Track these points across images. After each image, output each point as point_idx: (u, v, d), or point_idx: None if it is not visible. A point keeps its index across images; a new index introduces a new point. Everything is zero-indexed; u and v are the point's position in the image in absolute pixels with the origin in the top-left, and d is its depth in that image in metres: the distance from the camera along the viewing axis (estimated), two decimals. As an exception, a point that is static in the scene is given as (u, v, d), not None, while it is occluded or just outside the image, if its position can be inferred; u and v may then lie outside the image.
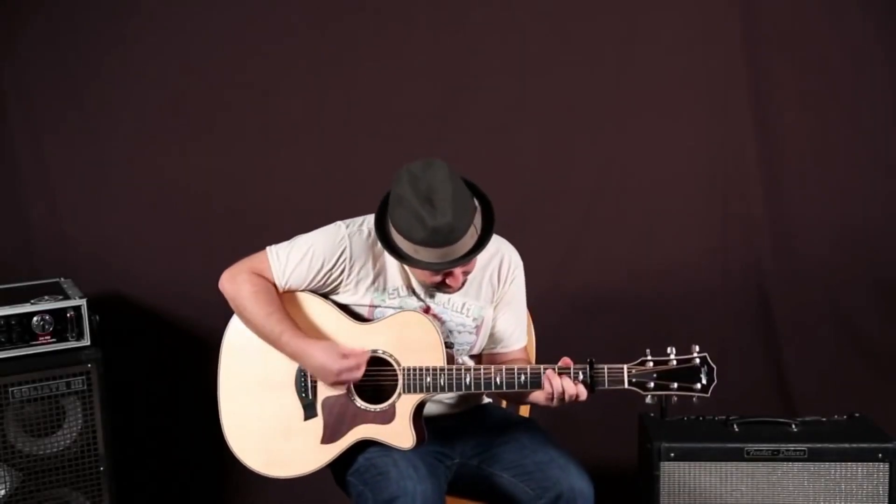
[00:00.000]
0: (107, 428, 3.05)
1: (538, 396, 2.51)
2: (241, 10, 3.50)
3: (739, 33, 3.57)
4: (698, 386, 2.40)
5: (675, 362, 2.42)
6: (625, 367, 2.43)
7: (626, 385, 2.42)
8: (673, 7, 3.57)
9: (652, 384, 2.41)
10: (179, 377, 3.56)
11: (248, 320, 2.59)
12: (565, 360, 2.46)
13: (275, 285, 2.60)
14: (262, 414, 2.61)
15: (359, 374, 2.52)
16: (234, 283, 2.58)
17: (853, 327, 3.73)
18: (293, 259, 2.59)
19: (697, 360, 2.41)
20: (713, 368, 2.41)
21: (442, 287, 2.54)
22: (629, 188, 3.66)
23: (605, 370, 2.43)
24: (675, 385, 2.41)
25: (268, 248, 2.62)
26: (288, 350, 2.56)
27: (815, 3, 3.57)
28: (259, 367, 2.62)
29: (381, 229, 2.50)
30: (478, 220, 2.46)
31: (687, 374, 2.41)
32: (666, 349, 2.43)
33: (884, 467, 2.92)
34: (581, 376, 2.43)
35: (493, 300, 2.68)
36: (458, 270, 2.49)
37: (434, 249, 2.40)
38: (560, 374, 2.44)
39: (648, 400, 2.42)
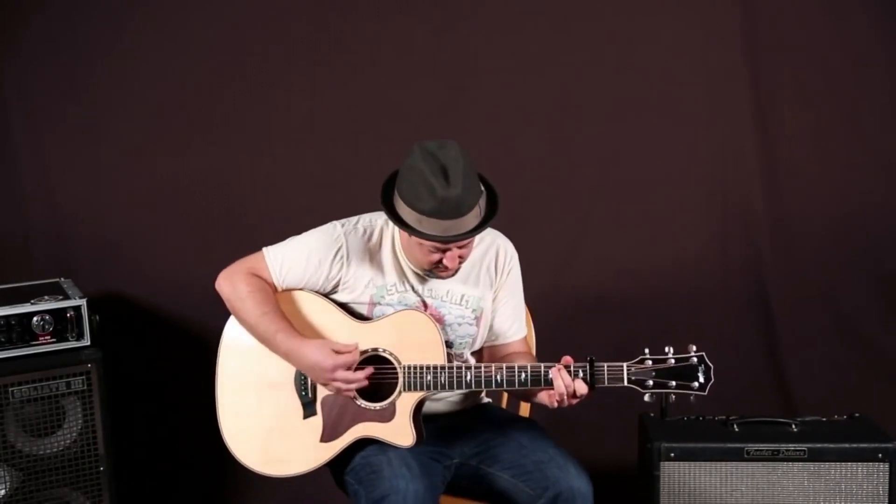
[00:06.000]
0: (107, 428, 3.05)
1: (542, 396, 2.53)
2: (241, 9, 3.50)
3: (739, 33, 3.56)
4: (696, 385, 2.42)
5: (672, 361, 2.44)
6: (624, 365, 2.45)
7: (626, 382, 2.44)
8: (673, 7, 3.57)
9: (651, 382, 2.43)
10: (179, 377, 3.56)
11: (243, 320, 2.61)
12: (566, 359, 2.48)
13: (272, 286, 2.62)
14: (261, 412, 2.62)
15: (353, 383, 2.51)
16: (231, 282, 2.60)
17: (853, 327, 3.73)
18: (289, 258, 2.61)
19: (695, 359, 2.43)
20: (710, 367, 2.43)
21: (438, 268, 2.55)
22: (629, 187, 3.66)
23: (605, 368, 2.45)
24: (674, 383, 2.43)
25: (264, 248, 2.65)
26: (282, 349, 2.56)
27: (815, 3, 3.57)
28: (258, 366, 2.62)
29: (386, 202, 2.51)
30: (482, 202, 2.49)
31: (685, 372, 2.42)
32: (664, 348, 2.45)
33: (884, 467, 2.92)
34: (581, 374, 2.45)
35: (493, 289, 2.69)
36: (455, 251, 2.50)
37: (439, 221, 2.42)
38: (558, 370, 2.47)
39: (647, 398, 2.44)
